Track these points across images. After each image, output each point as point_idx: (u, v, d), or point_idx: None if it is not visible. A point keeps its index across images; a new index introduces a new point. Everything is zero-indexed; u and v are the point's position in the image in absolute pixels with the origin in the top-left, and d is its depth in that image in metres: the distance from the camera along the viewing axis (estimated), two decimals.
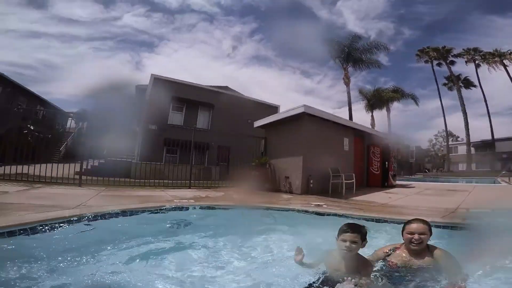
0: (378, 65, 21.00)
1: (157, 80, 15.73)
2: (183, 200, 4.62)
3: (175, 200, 4.56)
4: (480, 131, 32.83)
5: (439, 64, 31.49)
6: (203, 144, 12.47)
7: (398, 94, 24.94)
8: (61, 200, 3.97)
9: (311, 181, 7.26)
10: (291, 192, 7.40)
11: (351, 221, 2.71)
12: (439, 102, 32.51)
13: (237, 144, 9.30)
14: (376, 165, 10.02)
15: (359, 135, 9.89)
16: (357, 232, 1.65)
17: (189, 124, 13.64)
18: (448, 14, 44.41)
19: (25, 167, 5.98)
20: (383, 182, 9.89)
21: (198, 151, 12.60)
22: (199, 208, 3.98)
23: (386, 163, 10.05)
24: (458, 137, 38.83)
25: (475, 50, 29.80)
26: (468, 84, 30.89)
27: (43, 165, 5.90)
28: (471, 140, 30.21)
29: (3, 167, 5.72)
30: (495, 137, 30.39)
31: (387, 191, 8.29)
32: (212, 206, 4.20)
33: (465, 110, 29.11)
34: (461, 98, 29.51)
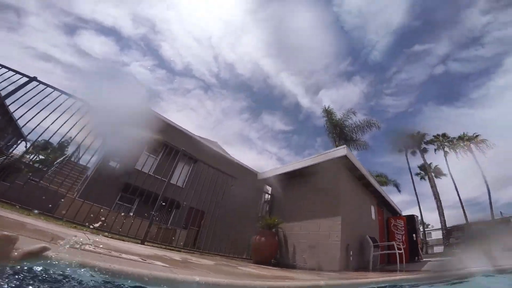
0: (366, 147, 18.66)
1: None
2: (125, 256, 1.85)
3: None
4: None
5: (413, 153, 28.97)
6: (173, 201, 8.14)
7: (384, 178, 23.38)
8: None
9: (351, 253, 5.22)
10: (320, 269, 4.94)
11: None
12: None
13: (214, 208, 5.97)
14: (400, 239, 8.51)
15: (380, 206, 8.73)
16: None
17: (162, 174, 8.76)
18: (408, 106, 48.53)
19: None
20: (412, 257, 8.34)
21: (163, 207, 9.61)
22: None
23: (414, 235, 8.82)
24: (429, 224, 37.69)
25: (444, 136, 27.83)
26: (439, 173, 27.90)
27: None
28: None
29: None
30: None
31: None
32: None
33: (440, 198, 24.92)
34: (434, 187, 25.56)
